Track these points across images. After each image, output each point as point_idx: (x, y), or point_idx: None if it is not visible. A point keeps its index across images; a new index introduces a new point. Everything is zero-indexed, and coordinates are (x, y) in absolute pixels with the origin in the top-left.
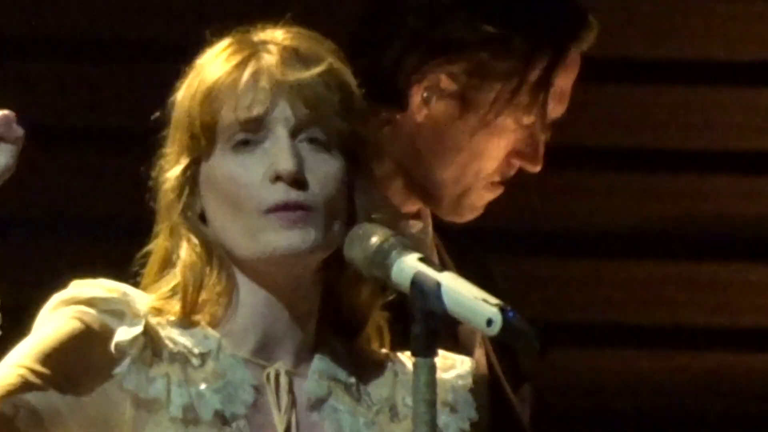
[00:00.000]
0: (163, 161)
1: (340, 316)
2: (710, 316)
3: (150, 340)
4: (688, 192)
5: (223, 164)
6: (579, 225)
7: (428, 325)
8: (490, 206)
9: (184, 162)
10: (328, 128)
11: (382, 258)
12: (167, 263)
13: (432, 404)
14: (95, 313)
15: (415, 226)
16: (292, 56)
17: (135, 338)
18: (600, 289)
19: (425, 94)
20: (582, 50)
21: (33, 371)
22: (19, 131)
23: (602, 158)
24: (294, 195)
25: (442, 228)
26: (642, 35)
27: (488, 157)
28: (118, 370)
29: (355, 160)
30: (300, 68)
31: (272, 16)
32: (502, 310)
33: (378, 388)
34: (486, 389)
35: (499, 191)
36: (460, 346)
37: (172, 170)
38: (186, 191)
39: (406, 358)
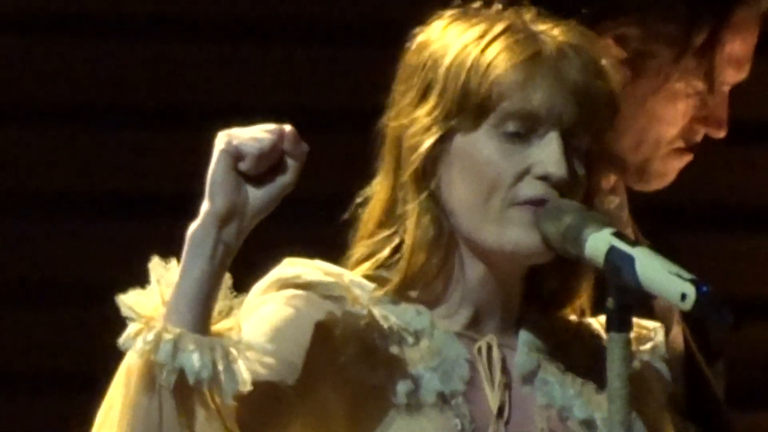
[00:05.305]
0: (404, 116)
1: (541, 291)
2: None
3: (371, 325)
4: None
5: (485, 147)
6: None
7: (622, 300)
8: (682, 180)
9: (440, 130)
10: (591, 137)
11: (575, 234)
12: (387, 218)
13: (626, 379)
14: (317, 299)
15: (612, 201)
16: (574, 56)
17: (359, 325)
18: None
19: None
20: (759, 12)
21: (258, 362)
22: (305, 147)
23: None
24: (551, 194)
25: (632, 204)
26: None
27: (666, 123)
28: (342, 359)
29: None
30: (581, 71)
31: None
32: (696, 284)
33: (581, 359)
34: (681, 365)
35: (687, 158)
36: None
37: (424, 134)
38: (438, 164)
39: (599, 325)
